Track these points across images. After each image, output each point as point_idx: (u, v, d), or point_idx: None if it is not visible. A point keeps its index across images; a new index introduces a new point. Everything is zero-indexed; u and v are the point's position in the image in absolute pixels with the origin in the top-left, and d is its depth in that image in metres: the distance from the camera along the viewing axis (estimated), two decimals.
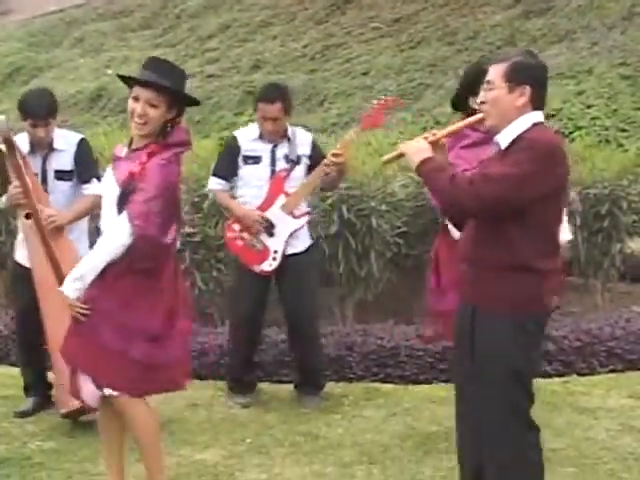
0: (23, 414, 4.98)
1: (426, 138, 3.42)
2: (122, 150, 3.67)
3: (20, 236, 4.99)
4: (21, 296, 5.03)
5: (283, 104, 5.10)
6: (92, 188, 4.96)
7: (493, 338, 3.26)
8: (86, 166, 5.01)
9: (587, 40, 14.50)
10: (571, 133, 10.85)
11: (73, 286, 3.52)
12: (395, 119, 13.73)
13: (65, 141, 4.97)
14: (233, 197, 5.27)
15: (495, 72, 3.32)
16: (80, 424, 4.71)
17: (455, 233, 3.90)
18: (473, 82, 4.50)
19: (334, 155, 4.99)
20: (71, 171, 4.96)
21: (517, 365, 3.26)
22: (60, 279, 4.30)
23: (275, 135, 5.15)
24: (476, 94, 4.50)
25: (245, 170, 5.18)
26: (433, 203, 4.52)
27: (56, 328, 4.26)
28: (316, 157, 5.20)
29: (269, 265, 5.16)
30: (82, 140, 5.05)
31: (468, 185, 3.17)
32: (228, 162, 5.24)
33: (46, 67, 23.20)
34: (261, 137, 5.18)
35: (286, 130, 5.20)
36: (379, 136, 9.18)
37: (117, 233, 3.46)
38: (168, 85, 3.55)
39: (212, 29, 22.30)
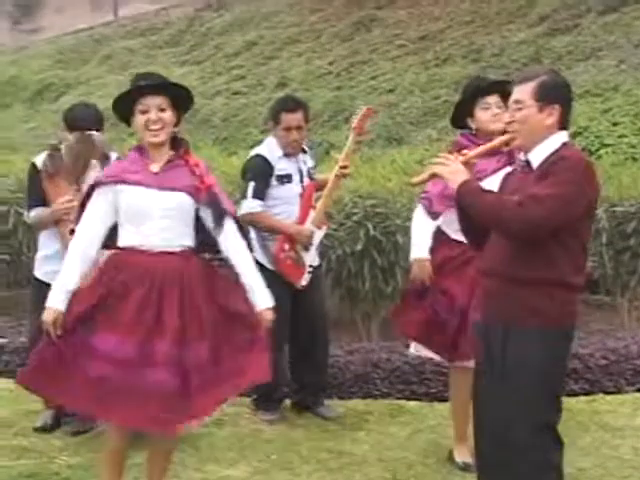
0: (42, 429, 4.93)
1: (456, 158, 3.44)
2: (143, 167, 3.67)
3: (43, 253, 4.92)
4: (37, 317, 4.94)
5: (304, 113, 5.21)
6: None
7: (526, 353, 3.26)
8: None
9: (613, 58, 14.46)
10: (597, 150, 10.81)
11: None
12: (420, 136, 13.75)
13: None
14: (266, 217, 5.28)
15: (523, 91, 3.33)
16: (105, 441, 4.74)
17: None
18: (470, 100, 4.53)
19: (342, 167, 5.12)
20: None
21: (551, 380, 3.27)
22: None
23: (298, 146, 5.21)
24: (472, 114, 4.55)
25: (281, 190, 5.16)
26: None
27: None
28: (314, 168, 5.42)
29: (305, 280, 5.21)
30: (118, 158, 5.09)
31: (517, 207, 3.18)
32: (264, 183, 5.16)
33: (75, 84, 23.41)
34: (285, 155, 5.21)
35: (303, 143, 5.31)
36: (404, 153, 9.22)
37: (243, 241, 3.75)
38: (174, 82, 3.77)
39: (238, 47, 22.43)
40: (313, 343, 5.34)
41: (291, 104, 5.21)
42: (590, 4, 16.88)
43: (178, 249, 3.63)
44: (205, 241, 3.72)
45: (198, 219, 3.70)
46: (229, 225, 3.69)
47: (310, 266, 5.21)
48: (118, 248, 3.67)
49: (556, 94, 3.33)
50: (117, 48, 26.09)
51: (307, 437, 5.00)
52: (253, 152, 5.34)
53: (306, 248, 5.18)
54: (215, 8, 27.26)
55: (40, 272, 4.94)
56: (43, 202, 4.78)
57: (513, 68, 15.53)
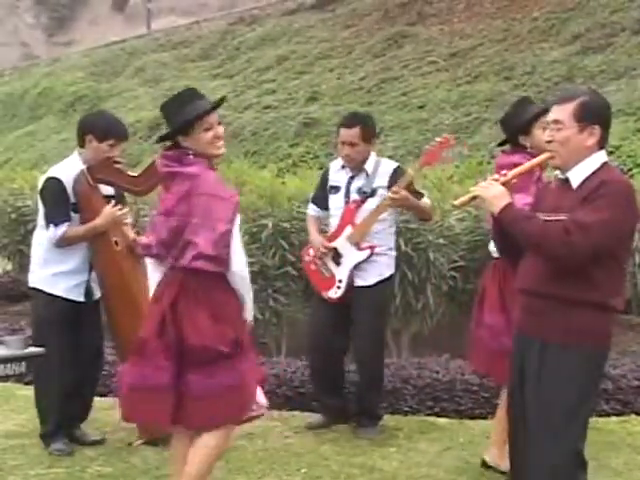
0: (61, 452, 4.83)
1: (497, 180, 3.45)
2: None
3: (57, 269, 4.81)
4: (64, 331, 4.79)
5: (362, 130, 5.18)
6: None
7: (562, 371, 3.27)
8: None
9: None
10: (630, 170, 10.76)
11: None
12: (451, 153, 13.72)
13: None
14: (322, 225, 5.50)
15: (563, 112, 3.34)
16: (136, 450, 4.77)
17: None
18: (529, 121, 4.53)
19: (393, 192, 5.04)
20: (113, 196, 4.95)
21: (584, 399, 3.27)
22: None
23: (352, 161, 5.23)
24: (527, 133, 4.56)
25: (330, 199, 5.35)
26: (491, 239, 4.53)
27: None
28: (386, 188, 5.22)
29: (334, 292, 5.23)
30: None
31: (564, 234, 3.19)
32: (320, 190, 5.47)
33: (107, 96, 23.63)
34: (343, 167, 5.30)
35: (364, 162, 5.25)
36: (436, 170, 9.20)
37: None
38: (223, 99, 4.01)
39: (270, 61, 22.54)
40: (357, 362, 5.40)
41: (349, 120, 5.27)
42: (624, 23, 16.82)
43: None
44: None
45: None
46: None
47: (340, 281, 5.21)
48: None
49: (596, 115, 3.34)
50: (149, 61, 26.30)
51: (337, 452, 5.00)
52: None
53: (337, 262, 5.20)
54: (247, 22, 27.42)
55: (58, 289, 4.82)
56: (69, 218, 4.74)
57: (545, 87, 15.50)
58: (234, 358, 3.65)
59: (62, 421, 4.91)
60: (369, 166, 5.25)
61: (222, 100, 3.96)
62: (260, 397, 3.87)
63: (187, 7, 35.71)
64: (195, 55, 26.04)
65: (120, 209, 4.79)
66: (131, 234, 4.91)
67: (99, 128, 4.80)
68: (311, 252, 5.34)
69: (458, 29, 20.51)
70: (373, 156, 5.29)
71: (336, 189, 5.30)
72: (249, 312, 3.80)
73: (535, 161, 3.63)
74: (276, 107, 19.00)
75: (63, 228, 4.73)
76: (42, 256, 4.87)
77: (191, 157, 3.69)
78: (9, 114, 25.59)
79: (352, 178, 5.26)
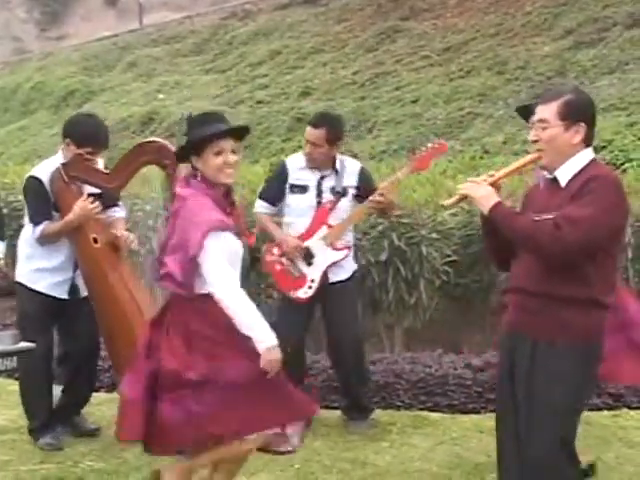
0: (51, 446, 4.86)
1: (485, 180, 3.44)
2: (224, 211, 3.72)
3: (41, 265, 4.83)
4: (43, 328, 4.84)
5: (327, 132, 5.12)
6: (120, 211, 5.11)
7: (555, 369, 3.26)
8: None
9: (639, 71, 14.40)
10: (622, 165, 10.75)
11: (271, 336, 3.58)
12: None
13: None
14: (278, 222, 5.34)
15: (548, 110, 3.34)
16: (129, 446, 4.75)
17: None
18: None
19: (380, 196, 5.04)
20: (99, 194, 4.90)
21: (577, 397, 3.27)
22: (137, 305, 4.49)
23: (313, 161, 5.18)
24: None
25: (291, 198, 5.22)
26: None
27: (125, 351, 4.32)
28: (364, 186, 5.22)
29: (304, 293, 5.18)
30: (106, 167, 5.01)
31: (554, 230, 3.18)
32: (275, 187, 5.31)
33: (99, 91, 23.55)
34: (309, 166, 5.22)
35: (334, 161, 5.23)
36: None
37: None
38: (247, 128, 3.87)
39: (262, 56, 22.48)
40: (338, 359, 5.37)
41: (316, 120, 5.23)
42: (616, 18, 16.82)
43: None
44: None
45: None
46: None
47: (313, 281, 5.17)
48: None
49: (581, 112, 3.34)
50: (141, 56, 26.21)
51: (330, 447, 4.99)
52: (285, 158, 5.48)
53: (308, 263, 5.16)
54: (240, 17, 27.35)
55: (41, 285, 4.84)
56: (50, 215, 4.77)
57: (537, 81, 15.49)
58: (205, 387, 3.52)
59: (51, 416, 4.93)
60: (337, 165, 5.23)
61: (243, 129, 3.83)
62: (292, 435, 3.75)
63: (179, 2, 35.60)
64: (187, 50, 25.96)
65: (92, 202, 4.71)
66: (119, 231, 4.86)
67: (78, 134, 4.77)
68: (275, 251, 5.23)
69: (451, 24, 20.49)
70: (337, 155, 5.26)
71: (302, 188, 5.19)
72: (259, 339, 3.55)
73: (522, 161, 3.62)
74: (269, 102, 18.95)
75: (41, 226, 4.77)
76: (27, 252, 4.90)
77: (195, 180, 3.64)
78: (1, 109, 25.50)
79: (322, 178, 5.21)
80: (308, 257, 5.16)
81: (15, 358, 6.15)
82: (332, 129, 5.15)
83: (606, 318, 3.33)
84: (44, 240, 4.79)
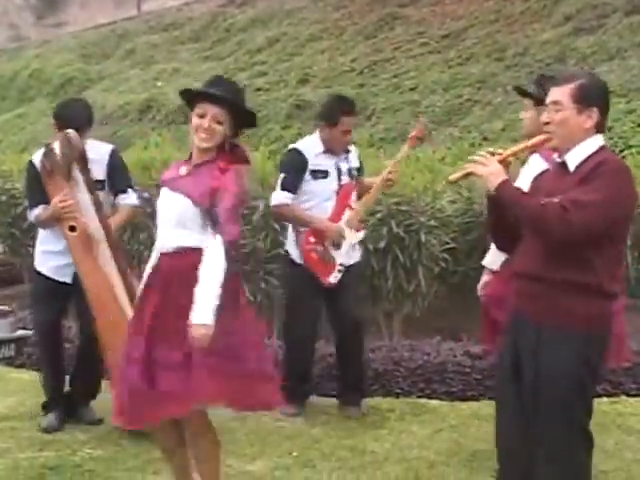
0: (47, 430, 4.92)
1: (493, 155, 3.41)
2: (178, 169, 3.72)
3: (47, 247, 4.92)
4: (46, 310, 4.95)
5: (356, 117, 5.36)
6: (129, 198, 5.04)
7: (560, 354, 3.25)
8: (121, 175, 5.04)
9: (639, 58, 14.34)
10: (622, 152, 10.72)
11: (211, 315, 3.42)
12: (443, 135, 13.71)
13: (96, 151, 4.95)
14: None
15: (562, 93, 3.31)
16: (128, 434, 4.76)
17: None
18: None
19: (390, 172, 5.14)
20: (103, 180, 4.94)
21: (583, 381, 3.26)
22: (130, 292, 4.42)
23: (344, 146, 5.26)
24: None
25: (313, 185, 5.19)
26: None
27: (115, 342, 4.31)
28: (361, 170, 5.39)
29: (334, 277, 5.22)
30: (113, 151, 5.06)
31: (561, 212, 3.15)
32: (296, 177, 5.20)
33: (97, 78, 23.45)
34: (325, 151, 5.22)
35: None
36: (428, 152, 9.19)
37: (220, 254, 3.47)
38: (238, 102, 3.65)
39: (261, 43, 22.38)
40: (342, 342, 5.38)
41: (354, 108, 5.28)
42: (616, 4, 16.76)
43: (170, 250, 3.61)
44: None
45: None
46: (213, 241, 3.49)
47: (341, 265, 5.20)
48: None
49: (595, 97, 3.31)
50: (140, 43, 26.10)
51: (328, 434, 5.00)
52: (291, 145, 5.41)
53: (337, 246, 5.17)
54: (238, 4, 27.23)
55: (45, 267, 4.93)
56: (45, 200, 4.76)
57: (537, 68, 15.42)
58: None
59: (54, 397, 5.02)
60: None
61: (224, 99, 3.64)
62: None
63: None
64: (186, 37, 25.84)
65: (63, 200, 4.65)
66: (91, 220, 4.76)
67: (60, 118, 4.83)
68: (311, 239, 5.18)
69: (450, 10, 20.41)
70: None
71: (323, 173, 5.19)
72: (204, 311, 3.45)
73: (531, 141, 3.59)
74: (267, 89, 18.89)
75: (36, 211, 4.84)
76: (40, 234, 5.02)
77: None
78: None
79: (339, 160, 5.25)
80: (338, 241, 5.19)
81: (13, 346, 6.20)
82: (357, 113, 5.34)
83: (611, 308, 3.30)
84: (39, 224, 4.91)
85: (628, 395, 5.72)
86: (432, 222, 6.68)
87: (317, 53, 20.44)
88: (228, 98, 3.60)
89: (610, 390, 5.71)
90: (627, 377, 5.80)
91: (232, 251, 3.50)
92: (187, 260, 3.53)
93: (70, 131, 4.65)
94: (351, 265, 5.29)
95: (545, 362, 3.29)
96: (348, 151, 5.30)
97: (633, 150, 10.64)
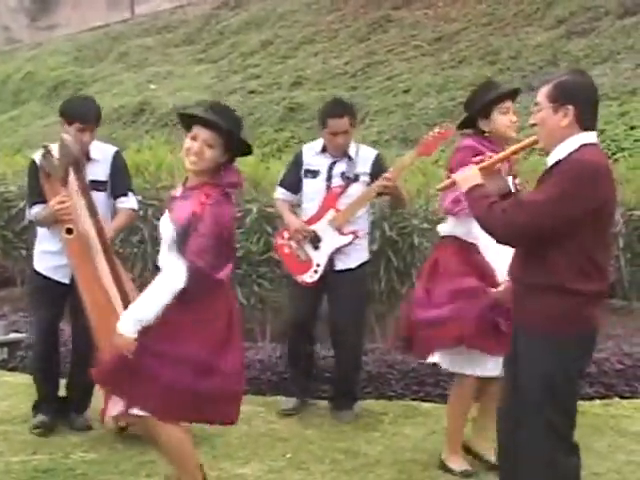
0: (38, 427, 4.92)
1: (482, 161, 3.46)
2: (178, 190, 3.74)
3: (45, 247, 4.91)
4: (44, 309, 4.93)
5: (350, 118, 5.21)
6: (129, 202, 5.02)
7: (531, 356, 3.29)
8: (122, 179, 5.02)
9: (631, 61, 14.38)
10: (614, 154, 10.76)
11: (134, 327, 3.51)
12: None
13: (100, 152, 4.95)
14: (294, 209, 5.42)
15: (541, 93, 3.34)
16: (121, 436, 4.76)
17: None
18: (488, 103, 4.47)
19: (386, 180, 5.04)
20: (105, 182, 4.93)
21: (552, 383, 3.24)
22: (123, 296, 4.44)
23: (342, 148, 5.22)
24: (487, 116, 4.48)
25: (305, 183, 5.30)
26: None
27: (99, 341, 4.31)
28: (377, 174, 5.18)
29: (310, 277, 5.21)
30: (117, 152, 5.05)
31: (501, 213, 3.23)
32: (291, 174, 5.40)
33: (90, 81, 23.43)
34: (323, 151, 5.28)
35: (348, 147, 5.27)
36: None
37: (174, 276, 3.49)
38: (231, 129, 3.63)
39: (254, 45, 22.40)
40: (336, 345, 5.39)
41: (338, 110, 5.22)
42: (608, 7, 16.81)
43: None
44: None
45: None
46: (175, 261, 3.51)
47: (318, 265, 5.20)
48: None
49: (570, 95, 3.26)
50: (133, 46, 26.10)
51: (321, 437, 5.00)
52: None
53: (315, 246, 5.18)
54: (231, 7, 27.23)
55: (43, 267, 4.93)
56: (44, 199, 4.75)
57: (529, 71, 15.48)
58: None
59: (47, 398, 5.01)
60: (351, 151, 5.24)
61: (207, 121, 3.64)
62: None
63: None
64: (179, 40, 25.84)
65: (61, 202, 4.63)
66: (85, 224, 4.73)
67: (67, 112, 4.85)
68: (285, 235, 5.30)
69: (443, 13, 20.44)
70: (352, 141, 5.28)
71: (314, 173, 5.26)
72: (131, 320, 3.55)
73: (519, 145, 3.61)
74: (261, 92, 18.89)
75: (34, 210, 4.83)
76: (38, 234, 5.01)
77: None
78: None
79: (334, 163, 5.24)
80: (315, 241, 5.20)
81: (6, 349, 6.18)
82: (352, 114, 5.27)
83: (581, 306, 3.24)
84: (36, 223, 4.92)
85: (621, 397, 5.74)
86: (425, 225, 6.68)
87: (310, 56, 20.45)
88: (220, 123, 3.59)
89: (603, 392, 5.73)
90: (619, 379, 5.82)
91: (195, 281, 3.49)
92: None
93: (66, 136, 4.65)
94: (350, 269, 5.25)
95: (519, 364, 3.33)
96: (349, 156, 5.25)
97: (625, 153, 10.67)
